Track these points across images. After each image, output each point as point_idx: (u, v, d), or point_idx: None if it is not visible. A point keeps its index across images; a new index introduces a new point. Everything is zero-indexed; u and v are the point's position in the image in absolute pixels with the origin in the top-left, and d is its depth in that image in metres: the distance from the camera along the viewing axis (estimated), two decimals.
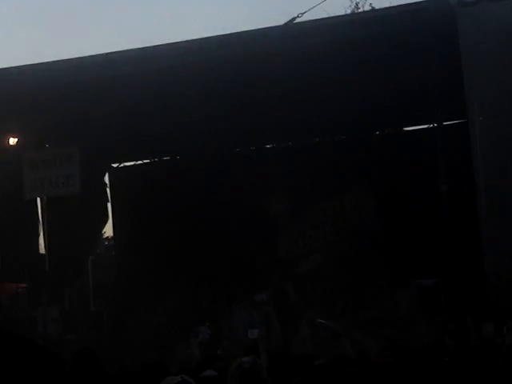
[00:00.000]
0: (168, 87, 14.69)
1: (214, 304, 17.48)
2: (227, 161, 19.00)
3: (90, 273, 19.67)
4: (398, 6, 14.76)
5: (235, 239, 18.24)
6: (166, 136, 17.39)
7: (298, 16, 14.16)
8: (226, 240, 18.30)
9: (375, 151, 17.69)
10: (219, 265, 18.07)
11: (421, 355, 7.90)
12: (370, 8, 25.02)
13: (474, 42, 12.99)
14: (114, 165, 20.42)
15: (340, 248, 18.19)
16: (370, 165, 17.41)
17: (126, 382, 6.31)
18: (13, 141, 17.21)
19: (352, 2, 27.30)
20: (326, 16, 16.07)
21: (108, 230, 23.26)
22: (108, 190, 19.88)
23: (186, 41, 15.02)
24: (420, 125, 18.28)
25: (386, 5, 17.32)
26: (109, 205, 19.70)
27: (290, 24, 14.20)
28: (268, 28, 14.66)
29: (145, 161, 20.44)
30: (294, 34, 14.22)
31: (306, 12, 14.35)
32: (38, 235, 18.36)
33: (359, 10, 25.89)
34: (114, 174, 20.20)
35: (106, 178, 20.07)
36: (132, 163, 20.50)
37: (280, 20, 15.23)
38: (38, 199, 18.12)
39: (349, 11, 26.07)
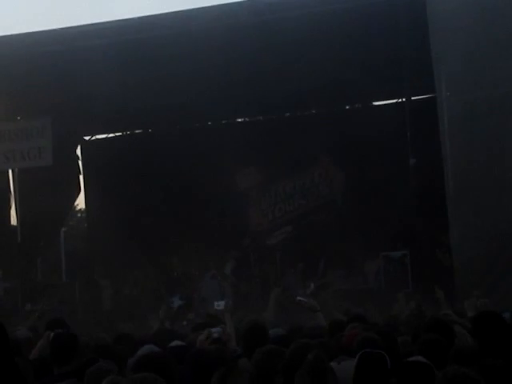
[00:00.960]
0: (141, 60, 14.75)
1: (185, 275, 17.63)
2: (198, 134, 19.06)
3: (62, 244, 19.72)
4: None
5: (206, 212, 18.38)
6: (138, 109, 17.43)
7: None
8: (197, 213, 18.44)
9: (345, 125, 17.83)
10: (190, 237, 18.19)
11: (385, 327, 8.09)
12: None
13: (442, 16, 13.09)
14: (86, 137, 20.40)
15: (310, 220, 18.38)
16: (340, 139, 17.57)
17: (97, 354, 6.42)
18: None
19: None
20: None
21: (81, 203, 23.25)
22: (80, 162, 19.87)
23: (158, 14, 15.08)
24: (389, 99, 18.43)
25: None
26: (81, 177, 19.70)
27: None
28: (235, 2, 14.74)
29: (117, 134, 20.44)
30: (262, 8, 14.30)
31: None
32: (10, 207, 18.37)
33: None
34: (86, 146, 20.19)
35: (79, 151, 20.04)
36: (104, 136, 20.49)
37: None
38: (10, 171, 18.12)
39: None
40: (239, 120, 20.34)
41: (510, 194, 12.74)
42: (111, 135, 20.43)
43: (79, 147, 19.97)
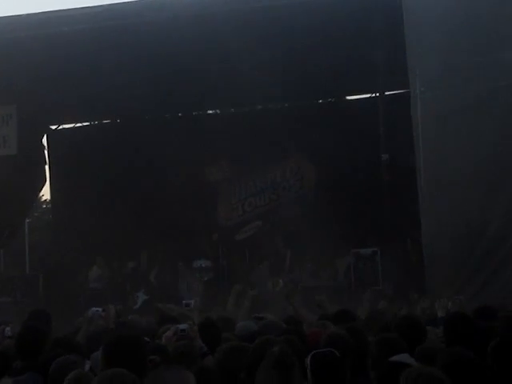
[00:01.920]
0: (109, 49, 14.44)
1: (151, 270, 17.38)
2: (168, 125, 18.81)
3: (26, 236, 19.38)
4: None
5: (175, 205, 18.11)
6: (106, 99, 17.12)
7: None
8: (166, 205, 18.18)
9: (318, 119, 17.67)
10: (158, 230, 17.94)
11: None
12: None
13: (417, 12, 12.99)
14: (53, 126, 20.04)
15: (281, 216, 18.20)
16: (313, 133, 17.38)
17: (60, 346, 6.31)
18: None
19: None
20: None
21: (46, 193, 22.90)
22: (46, 152, 19.51)
23: (127, 2, 14.81)
24: (362, 94, 18.29)
25: None
26: (46, 167, 19.35)
27: None
28: None
29: (84, 123, 20.11)
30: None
31: None
32: None
33: None
34: (52, 135, 19.83)
35: (45, 140, 19.67)
36: (71, 125, 20.14)
37: None
38: None
39: None
40: (210, 112, 20.12)
41: (481, 191, 12.65)
42: (78, 125, 20.10)
43: (45, 136, 19.62)
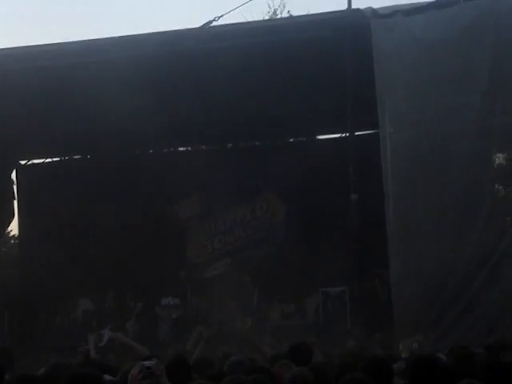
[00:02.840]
0: (77, 85, 14.41)
1: (120, 306, 17.23)
2: (138, 162, 18.77)
3: None
4: (315, 14, 14.86)
5: (144, 241, 18.02)
6: (76, 134, 17.06)
7: (214, 19, 14.07)
8: (135, 242, 18.07)
9: (288, 158, 17.72)
10: (127, 266, 17.83)
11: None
12: (288, 15, 25.07)
13: (387, 53, 13.12)
14: (22, 162, 19.93)
15: (250, 254, 18.16)
16: (282, 171, 17.43)
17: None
18: None
19: (270, 8, 27.33)
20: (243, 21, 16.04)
21: (14, 228, 22.69)
22: (15, 187, 19.37)
23: (98, 39, 14.82)
24: (332, 134, 18.40)
25: (304, 13, 17.34)
26: (15, 202, 19.19)
27: (206, 27, 14.10)
28: (181, 30, 14.55)
29: (54, 159, 20.01)
30: (207, 36, 14.13)
31: (222, 16, 14.27)
32: None
33: (277, 17, 25.90)
34: (22, 171, 19.71)
35: (14, 175, 19.54)
36: (41, 161, 20.03)
37: (197, 23, 15.15)
38: None
39: (267, 17, 26.08)
40: (181, 149, 20.13)
41: (450, 232, 12.70)
42: (48, 160, 20.00)
43: (14, 171, 19.49)
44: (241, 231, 18.63)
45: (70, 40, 15.19)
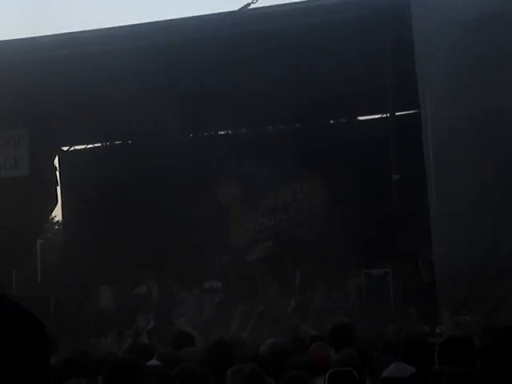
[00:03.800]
0: (120, 71, 14.49)
1: (164, 291, 17.35)
2: (179, 146, 18.80)
3: (38, 257, 19.38)
4: None
5: (186, 225, 18.10)
6: (117, 120, 17.17)
7: (252, 2, 14.04)
8: (177, 226, 18.16)
9: (328, 140, 17.68)
10: (170, 251, 17.94)
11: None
12: None
13: (427, 33, 13.00)
14: (65, 148, 20.11)
15: (291, 236, 18.17)
16: (324, 153, 17.39)
17: (69, 368, 6.30)
18: None
19: None
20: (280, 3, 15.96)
21: (58, 214, 22.96)
22: (58, 173, 19.56)
23: (138, 24, 14.87)
24: (373, 114, 18.30)
25: None
26: (58, 188, 19.39)
27: (244, 10, 14.07)
28: (220, 13, 14.54)
29: (96, 144, 20.17)
30: (246, 20, 14.10)
31: None
32: None
33: None
34: (64, 157, 19.89)
35: (56, 161, 19.74)
36: (83, 147, 20.21)
37: (234, 6, 15.12)
38: None
39: None
40: (221, 133, 20.15)
41: (493, 211, 12.59)
42: (90, 146, 20.17)
43: (57, 158, 19.68)
44: (282, 214, 18.63)
45: (103, 27, 15.29)
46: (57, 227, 26.79)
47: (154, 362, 6.80)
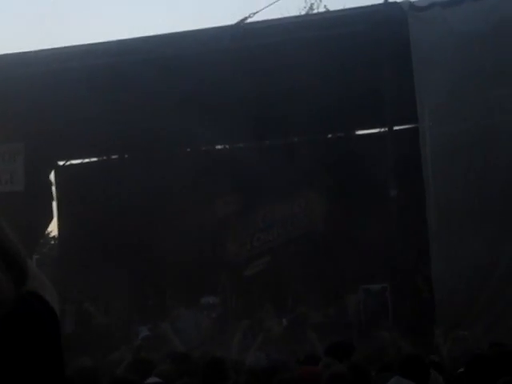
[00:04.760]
0: (115, 85, 14.45)
1: (159, 306, 17.25)
2: (176, 161, 18.75)
3: None
4: (351, 8, 14.75)
5: (183, 240, 18.01)
6: (113, 134, 17.10)
7: (249, 16, 14.02)
8: (174, 240, 18.06)
9: (326, 154, 17.61)
10: (167, 265, 17.84)
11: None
12: (325, 10, 25.00)
13: (425, 47, 13.00)
14: (60, 162, 20.04)
15: (289, 251, 18.06)
16: (321, 167, 17.32)
17: None
18: None
19: (307, 3, 27.28)
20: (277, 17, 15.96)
21: (54, 229, 22.86)
22: (53, 188, 19.49)
23: (132, 39, 14.85)
24: (371, 129, 18.26)
25: (340, 7, 17.27)
26: (54, 203, 19.31)
27: (241, 24, 14.04)
28: (217, 27, 14.51)
29: (92, 159, 20.09)
30: (243, 34, 14.07)
31: (257, 12, 14.22)
32: None
33: (314, 12, 25.84)
34: (60, 172, 19.82)
35: (52, 176, 19.66)
36: (79, 161, 20.13)
37: (231, 20, 15.10)
38: None
39: (303, 13, 26.01)
40: (219, 147, 20.08)
41: (492, 227, 12.54)
42: (86, 160, 20.09)
43: (53, 172, 19.60)
44: (280, 228, 18.55)
45: (104, 40, 15.27)
46: (53, 242, 26.68)
47: (153, 379, 6.71)
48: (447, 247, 12.68)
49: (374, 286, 15.19)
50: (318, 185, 17.79)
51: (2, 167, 16.59)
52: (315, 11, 26.20)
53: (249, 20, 14.16)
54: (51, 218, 19.25)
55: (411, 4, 13.29)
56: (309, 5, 27.13)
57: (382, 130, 16.88)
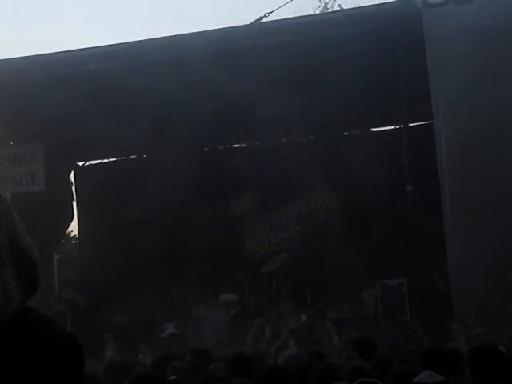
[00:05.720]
0: (134, 85, 14.58)
1: (178, 304, 17.38)
2: (194, 159, 18.86)
3: (55, 271, 19.47)
4: (366, 6, 14.84)
5: (201, 239, 18.11)
6: (132, 134, 17.22)
7: (264, 15, 14.13)
8: (193, 239, 18.17)
9: (342, 151, 17.66)
10: (185, 264, 17.97)
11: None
12: (339, 9, 25.04)
13: (439, 43, 13.04)
14: (80, 163, 20.22)
15: (306, 248, 18.15)
16: (337, 165, 17.38)
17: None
18: None
19: (321, 2, 27.35)
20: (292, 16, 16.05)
21: (75, 229, 23.06)
22: (73, 188, 19.67)
23: (147, 40, 15.00)
24: (387, 126, 18.31)
25: (355, 6, 17.37)
26: (74, 203, 19.49)
27: (256, 23, 14.16)
28: (233, 27, 14.62)
29: (111, 159, 20.26)
30: (259, 33, 14.18)
31: (273, 11, 14.32)
32: None
33: (328, 11, 25.89)
34: (80, 172, 20.00)
35: (72, 176, 19.85)
36: (98, 161, 20.30)
37: (247, 19, 15.22)
38: None
39: (318, 12, 26.09)
40: (236, 145, 20.19)
41: (508, 221, 12.56)
42: (105, 160, 20.26)
43: (72, 173, 19.79)
44: (297, 226, 18.64)
45: (123, 41, 15.44)
46: (73, 242, 26.88)
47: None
48: (464, 242, 12.72)
49: (391, 282, 15.26)
50: (335, 182, 17.87)
51: (23, 168, 16.77)
52: (329, 10, 26.30)
53: (264, 19, 14.27)
54: (71, 218, 19.43)
55: (425, 1, 13.34)
56: (323, 4, 27.25)
57: (398, 126, 16.93)
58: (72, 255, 25.06)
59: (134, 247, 18.23)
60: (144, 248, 18.15)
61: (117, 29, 39.67)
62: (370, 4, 14.72)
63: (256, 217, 18.83)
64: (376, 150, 16.77)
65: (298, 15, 16.46)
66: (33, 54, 15.81)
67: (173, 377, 6.86)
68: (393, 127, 17.75)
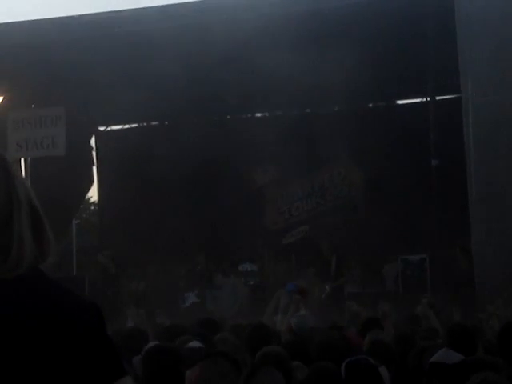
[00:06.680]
0: (157, 52, 14.42)
1: (198, 273, 17.31)
2: (216, 128, 18.72)
3: (73, 237, 19.44)
4: None
5: (222, 209, 18.02)
6: (154, 101, 17.09)
7: None
8: (213, 209, 18.09)
9: (367, 124, 17.45)
10: (205, 233, 17.88)
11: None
12: None
13: (469, 18, 12.81)
14: (101, 128, 20.12)
15: (327, 221, 18.00)
16: (362, 138, 17.18)
17: None
18: None
19: None
20: None
21: (95, 195, 23.01)
22: (94, 153, 19.57)
23: (173, 4, 14.84)
24: (413, 99, 18.07)
25: None
26: (94, 168, 19.42)
27: None
28: None
29: (132, 125, 20.14)
30: (290, 2, 14.00)
31: None
32: None
33: None
34: (101, 137, 19.89)
35: (93, 141, 19.75)
36: (119, 127, 20.19)
37: None
38: (22, 160, 17.79)
39: None
40: (258, 115, 20.00)
41: None
42: (127, 126, 20.14)
43: (94, 138, 19.69)
44: (319, 198, 18.47)
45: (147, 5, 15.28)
46: (93, 208, 26.86)
47: (194, 343, 6.67)
48: (488, 219, 12.56)
49: (413, 257, 15.11)
50: (358, 155, 17.67)
51: (44, 131, 16.66)
52: None
53: None
54: (91, 183, 19.36)
55: None
56: None
57: (424, 99, 16.70)
58: (91, 221, 25.05)
59: (154, 214, 18.15)
60: (164, 215, 18.07)
61: None
62: None
63: (277, 188, 18.67)
64: (402, 123, 16.58)
65: None
66: (56, 16, 15.67)
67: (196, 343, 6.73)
68: (419, 100, 17.49)
